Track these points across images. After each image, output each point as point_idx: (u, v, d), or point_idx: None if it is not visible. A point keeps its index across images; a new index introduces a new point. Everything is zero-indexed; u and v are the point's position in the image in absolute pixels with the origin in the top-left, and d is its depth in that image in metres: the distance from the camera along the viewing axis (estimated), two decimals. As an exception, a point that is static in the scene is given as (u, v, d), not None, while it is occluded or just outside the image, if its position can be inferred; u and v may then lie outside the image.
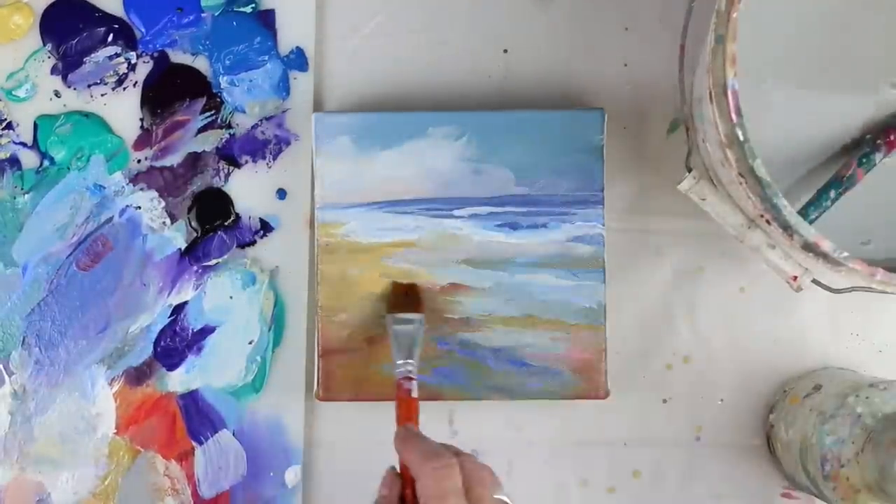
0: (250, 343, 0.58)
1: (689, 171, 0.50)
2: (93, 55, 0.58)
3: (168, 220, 0.58)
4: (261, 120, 0.59)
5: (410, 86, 0.59)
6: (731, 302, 0.59)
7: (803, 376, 0.58)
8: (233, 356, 0.58)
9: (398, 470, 0.47)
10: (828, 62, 0.53)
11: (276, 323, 0.58)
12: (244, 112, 0.59)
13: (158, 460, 0.58)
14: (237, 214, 0.58)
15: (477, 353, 0.56)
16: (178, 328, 0.58)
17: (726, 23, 0.44)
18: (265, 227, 0.58)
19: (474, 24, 0.59)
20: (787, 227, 0.44)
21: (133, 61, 0.59)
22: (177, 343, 0.58)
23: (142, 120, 0.59)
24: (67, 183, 0.58)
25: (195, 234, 0.58)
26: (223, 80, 0.58)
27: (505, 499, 0.43)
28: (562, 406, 0.57)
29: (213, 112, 0.59)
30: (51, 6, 0.58)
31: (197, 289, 0.58)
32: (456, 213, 0.56)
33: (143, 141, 0.58)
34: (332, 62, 0.59)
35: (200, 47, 0.59)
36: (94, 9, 0.58)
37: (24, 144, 0.58)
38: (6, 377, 0.58)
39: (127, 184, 0.58)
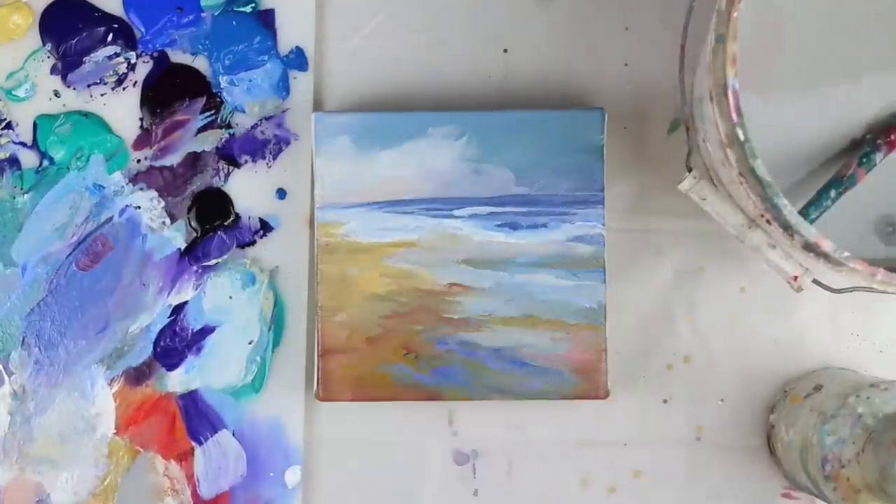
0: (250, 343, 0.58)
1: (690, 170, 0.50)
2: (92, 55, 0.58)
3: (168, 220, 0.58)
4: (260, 120, 0.59)
5: (410, 86, 0.59)
6: (732, 302, 0.59)
7: (804, 376, 0.58)
8: (232, 356, 0.58)
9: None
10: (828, 62, 0.53)
11: (276, 323, 0.58)
12: (244, 112, 0.59)
13: (158, 460, 0.57)
14: (237, 214, 0.58)
15: (477, 353, 0.56)
16: (177, 328, 0.58)
17: (727, 22, 0.44)
18: (265, 227, 0.58)
19: (474, 24, 0.59)
20: (787, 227, 0.44)
21: (133, 61, 0.58)
22: (176, 343, 0.58)
23: (141, 120, 0.58)
24: (67, 183, 0.58)
25: (195, 234, 0.58)
26: (223, 80, 0.58)
27: None
28: (562, 406, 0.57)
29: (212, 112, 0.58)
30: (50, 6, 0.58)
31: (197, 289, 0.58)
32: (456, 213, 0.56)
33: (143, 141, 0.58)
34: (332, 62, 0.59)
35: (200, 47, 0.58)
36: (94, 8, 0.58)
37: (23, 144, 0.58)
38: (6, 377, 0.58)
39: (126, 183, 0.58)
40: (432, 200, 0.56)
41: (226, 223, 0.58)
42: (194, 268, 0.58)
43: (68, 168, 0.58)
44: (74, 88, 0.58)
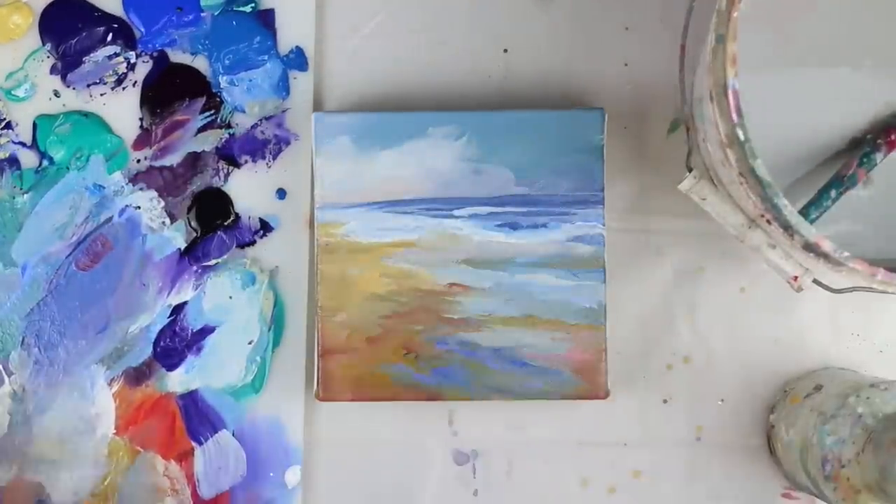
0: (250, 343, 0.58)
1: (690, 170, 0.50)
2: (92, 55, 0.58)
3: (168, 220, 0.58)
4: (260, 120, 0.59)
5: (410, 86, 0.59)
6: (732, 302, 0.59)
7: (804, 376, 0.58)
8: (232, 356, 0.58)
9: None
10: (828, 61, 0.53)
11: (276, 323, 0.58)
12: (244, 112, 0.59)
13: (158, 460, 0.57)
14: (237, 214, 0.58)
15: (477, 353, 0.56)
16: (177, 328, 0.58)
17: (727, 22, 0.44)
18: (265, 227, 0.58)
19: (474, 24, 0.59)
20: (787, 227, 0.44)
21: (132, 61, 0.58)
22: (176, 343, 0.58)
23: (141, 120, 0.58)
24: (67, 183, 0.58)
25: (195, 234, 0.58)
26: (223, 80, 0.58)
27: None
28: (562, 406, 0.57)
29: (212, 112, 0.58)
30: (50, 6, 0.58)
31: (196, 289, 0.58)
32: (456, 213, 0.56)
33: (143, 141, 0.58)
34: (332, 62, 0.59)
35: (200, 47, 0.58)
36: (94, 8, 0.58)
37: (23, 144, 0.58)
38: (6, 377, 0.57)
39: (126, 183, 0.58)
40: (432, 200, 0.56)
41: (226, 223, 0.58)
42: (194, 268, 0.58)
43: (68, 168, 0.58)
44: (74, 88, 0.58)
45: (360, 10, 0.59)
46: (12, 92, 0.58)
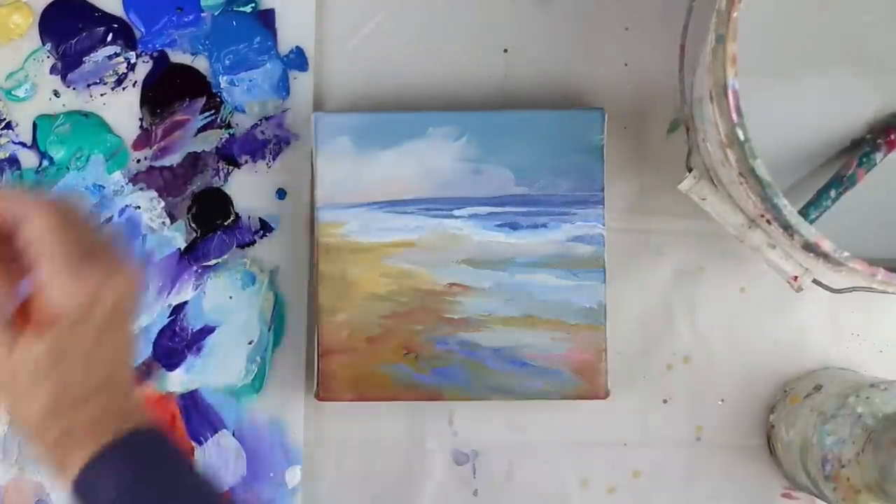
0: (250, 343, 0.58)
1: (690, 170, 0.50)
2: (92, 55, 0.58)
3: (168, 220, 0.58)
4: (261, 120, 0.59)
5: (410, 86, 0.59)
6: (732, 302, 0.59)
7: (804, 376, 0.58)
8: (232, 356, 0.58)
9: None
10: (829, 61, 0.53)
11: (276, 323, 0.58)
12: (244, 112, 0.59)
13: (158, 460, 0.57)
14: (237, 214, 0.58)
15: (477, 353, 0.56)
16: (177, 328, 0.58)
17: (726, 23, 0.44)
18: (265, 227, 0.58)
19: (474, 24, 0.59)
20: (787, 227, 0.44)
21: (132, 61, 0.58)
22: (176, 343, 0.58)
23: (141, 120, 0.58)
24: (67, 183, 0.58)
25: (195, 234, 0.58)
26: (223, 80, 0.58)
27: None
28: (562, 406, 0.57)
29: (212, 112, 0.58)
30: (50, 6, 0.58)
31: (196, 289, 0.58)
32: (456, 213, 0.56)
33: (143, 141, 0.58)
34: (332, 62, 0.59)
35: (200, 47, 0.58)
36: (94, 8, 0.58)
37: (23, 144, 0.58)
38: (5, 377, 0.57)
39: (126, 183, 0.58)
40: (432, 200, 0.56)
41: (226, 223, 0.58)
42: (194, 268, 0.58)
43: (68, 168, 0.58)
44: (74, 88, 0.58)
45: (360, 11, 0.59)
46: (12, 92, 0.58)
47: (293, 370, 0.58)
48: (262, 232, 0.58)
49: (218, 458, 0.57)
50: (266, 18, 0.58)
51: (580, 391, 0.56)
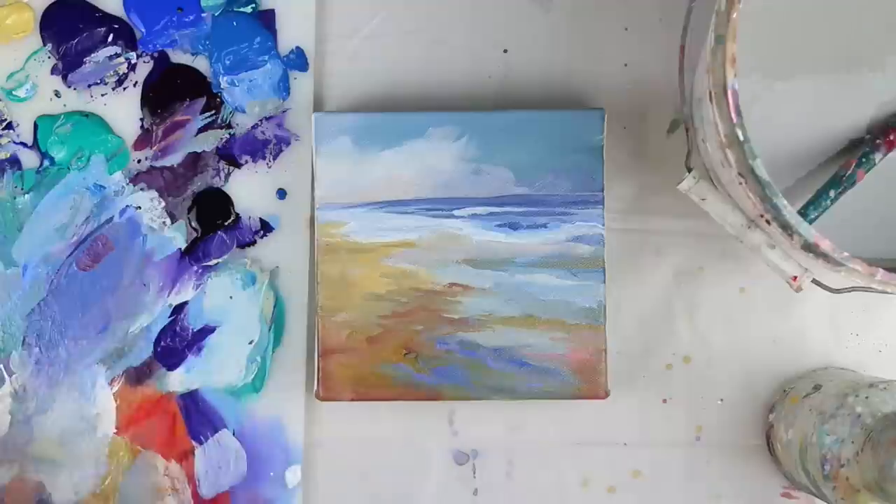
0: (250, 343, 0.58)
1: (689, 171, 0.50)
2: (93, 55, 0.58)
3: (168, 220, 0.58)
4: (261, 120, 0.59)
5: (410, 86, 0.59)
6: (731, 302, 0.59)
7: (803, 376, 0.58)
8: (233, 356, 0.58)
9: None
10: (828, 62, 0.53)
11: (276, 323, 0.58)
12: (244, 112, 0.59)
13: (158, 460, 0.58)
14: (237, 214, 0.58)
15: (477, 353, 0.56)
16: (178, 328, 0.58)
17: (726, 23, 0.44)
18: (265, 227, 0.58)
19: (474, 24, 0.59)
20: (786, 227, 0.44)
21: (133, 61, 0.59)
22: (177, 343, 0.58)
23: (142, 120, 0.59)
24: (67, 183, 0.58)
25: (195, 234, 0.58)
26: (223, 80, 0.58)
27: None
28: (562, 406, 0.57)
29: (213, 112, 0.59)
30: (51, 6, 0.58)
31: (197, 289, 0.58)
32: (456, 213, 0.56)
33: (144, 141, 0.58)
34: (332, 62, 0.59)
35: (200, 47, 0.59)
36: (94, 9, 0.58)
37: (24, 144, 0.58)
38: (6, 377, 0.58)
39: (127, 184, 0.58)
40: (432, 200, 0.56)
41: (226, 223, 0.58)
42: (195, 268, 0.58)
43: (69, 168, 0.58)
44: (75, 89, 0.58)
45: (360, 11, 0.59)
46: (13, 92, 0.58)
47: (293, 370, 0.58)
48: (262, 232, 0.58)
49: (218, 457, 0.57)
50: (266, 19, 0.59)
51: (580, 391, 0.56)
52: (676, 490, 0.58)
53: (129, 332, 0.58)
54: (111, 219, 0.58)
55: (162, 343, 0.58)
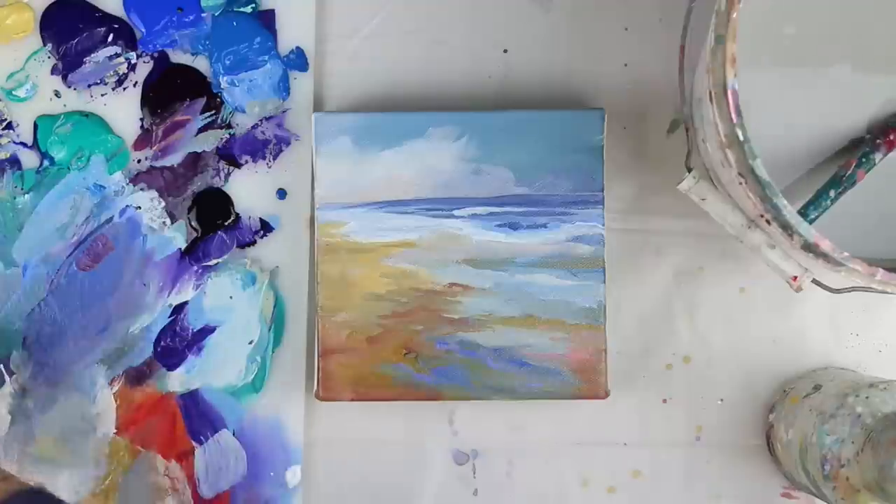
0: (250, 343, 0.58)
1: (689, 171, 0.50)
2: (93, 55, 0.58)
3: (168, 220, 0.58)
4: (261, 120, 0.59)
5: (410, 86, 0.59)
6: (731, 302, 0.59)
7: (803, 376, 0.58)
8: (233, 356, 0.58)
9: None
10: (828, 61, 0.53)
11: (276, 323, 0.58)
12: (244, 112, 0.59)
13: (158, 460, 0.58)
14: (237, 214, 0.58)
15: (477, 353, 0.56)
16: (178, 328, 0.58)
17: (726, 23, 0.44)
18: (265, 227, 0.58)
19: (474, 24, 0.59)
20: (786, 227, 0.44)
21: (133, 61, 0.59)
22: (177, 343, 0.58)
23: (142, 120, 0.59)
24: (67, 183, 0.58)
25: (195, 234, 0.58)
26: (223, 80, 0.58)
27: None
28: (562, 406, 0.57)
29: (213, 112, 0.59)
30: (51, 6, 0.58)
31: (197, 289, 0.58)
32: (456, 213, 0.56)
33: (144, 141, 0.58)
34: (332, 62, 0.59)
35: (200, 47, 0.59)
36: (94, 9, 0.58)
37: (24, 144, 0.58)
38: (6, 377, 0.58)
39: (127, 184, 0.58)
40: (432, 200, 0.56)
41: (226, 223, 0.58)
42: (195, 268, 0.58)
43: (69, 168, 0.58)
44: (75, 89, 0.58)
45: (360, 11, 0.59)
46: (13, 92, 0.58)
47: (293, 370, 0.58)
48: (262, 232, 0.58)
49: (218, 457, 0.58)
50: (266, 19, 0.59)
51: (580, 391, 0.56)
52: (676, 490, 0.58)
53: (130, 332, 0.58)
54: (111, 219, 0.58)
55: (162, 343, 0.58)
